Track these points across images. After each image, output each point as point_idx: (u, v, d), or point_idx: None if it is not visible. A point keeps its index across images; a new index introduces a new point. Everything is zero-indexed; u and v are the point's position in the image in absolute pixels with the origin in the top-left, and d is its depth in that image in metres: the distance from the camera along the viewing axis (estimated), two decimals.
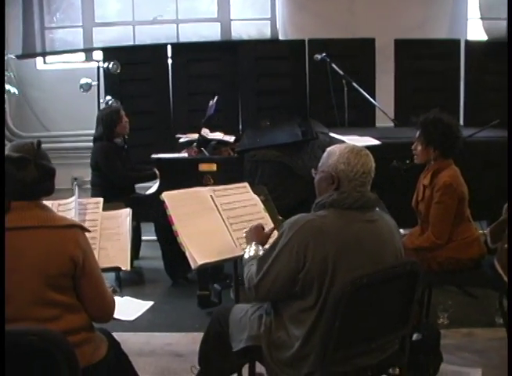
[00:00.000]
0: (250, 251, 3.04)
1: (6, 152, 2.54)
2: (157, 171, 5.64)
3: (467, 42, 7.36)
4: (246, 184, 3.82)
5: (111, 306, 2.73)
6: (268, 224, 3.55)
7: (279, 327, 2.78)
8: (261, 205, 3.71)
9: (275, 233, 3.14)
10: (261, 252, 2.99)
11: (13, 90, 8.14)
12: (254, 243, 3.09)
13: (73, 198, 3.56)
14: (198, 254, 3.28)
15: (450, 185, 3.96)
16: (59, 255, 2.49)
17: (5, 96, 8.13)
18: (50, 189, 2.64)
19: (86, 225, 3.29)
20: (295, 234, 2.65)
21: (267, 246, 3.03)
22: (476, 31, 7.76)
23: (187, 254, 3.28)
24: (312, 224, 2.66)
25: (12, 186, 2.51)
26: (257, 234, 3.18)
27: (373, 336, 2.70)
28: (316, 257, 2.60)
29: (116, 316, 2.98)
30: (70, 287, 2.57)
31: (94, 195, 5.69)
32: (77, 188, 3.78)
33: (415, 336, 3.59)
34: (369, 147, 2.95)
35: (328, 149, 2.90)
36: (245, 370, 3.36)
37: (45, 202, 2.67)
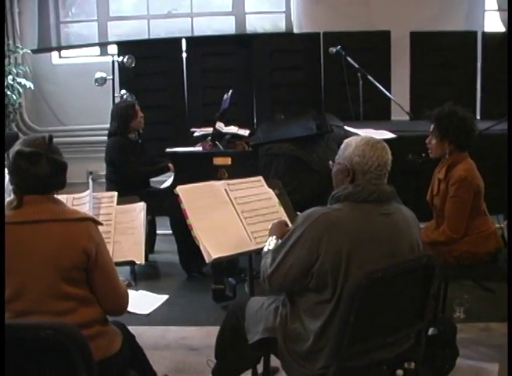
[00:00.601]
0: (269, 244, 3.03)
1: (18, 147, 2.53)
2: (171, 165, 5.64)
3: (484, 34, 7.28)
4: (260, 178, 3.80)
5: (125, 299, 2.74)
6: (283, 218, 3.53)
7: (294, 320, 2.77)
8: (276, 199, 3.69)
9: None
10: None
11: (29, 84, 8.17)
12: (274, 237, 3.08)
13: (88, 192, 3.56)
14: (212, 248, 3.27)
15: (465, 178, 3.93)
16: (72, 248, 2.49)
17: (21, 90, 8.17)
18: (62, 183, 2.64)
19: (100, 219, 3.30)
20: (308, 227, 2.64)
21: None
22: (493, 23, 7.69)
23: (201, 248, 3.28)
24: (326, 217, 2.65)
25: (24, 181, 2.52)
26: (279, 229, 3.16)
27: (388, 330, 2.69)
28: (330, 251, 2.59)
29: (131, 309, 3.00)
30: (84, 280, 2.58)
31: (109, 190, 5.69)
32: (91, 182, 3.78)
33: (431, 330, 3.57)
34: (384, 140, 2.92)
35: (345, 140, 2.88)
36: (260, 365, 3.36)
37: (59, 196, 2.68)
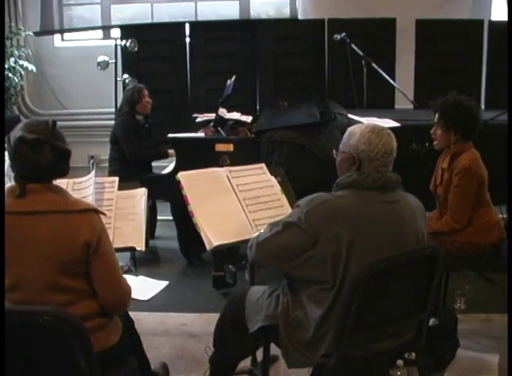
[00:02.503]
0: None
1: (20, 132, 2.45)
2: (171, 151, 5.64)
3: (491, 23, 7.24)
4: (262, 165, 3.77)
5: (127, 294, 2.66)
6: (285, 206, 3.52)
7: (296, 307, 2.75)
8: (278, 186, 3.67)
9: None
10: None
11: (31, 67, 8.15)
12: None
13: (89, 176, 3.54)
14: (213, 235, 3.25)
15: (469, 168, 3.89)
16: (73, 241, 2.44)
17: (23, 73, 8.15)
18: (65, 170, 2.58)
19: (103, 204, 3.28)
20: (309, 212, 2.61)
21: None
22: (501, 11, 7.63)
23: (202, 235, 3.26)
24: (329, 204, 2.63)
25: (26, 169, 2.46)
26: None
27: (390, 321, 2.67)
28: (330, 237, 2.56)
29: None
30: (84, 274, 2.52)
31: (111, 170, 5.73)
32: (94, 167, 3.76)
33: (432, 321, 3.56)
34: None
35: (349, 129, 2.85)
36: (259, 353, 3.35)
37: (59, 181, 2.62)
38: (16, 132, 2.46)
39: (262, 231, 2.85)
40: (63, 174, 2.59)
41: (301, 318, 2.72)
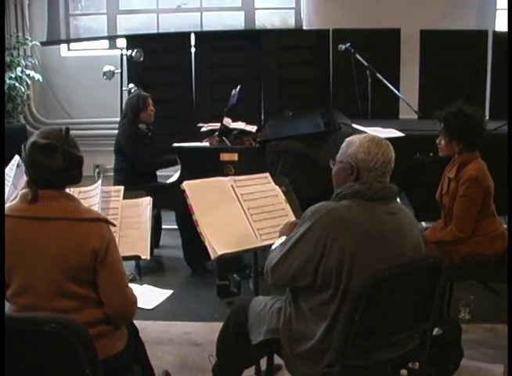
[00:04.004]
0: (278, 242, 3.00)
1: (34, 138, 2.50)
2: (178, 160, 5.64)
3: (495, 33, 7.25)
4: (267, 174, 3.78)
5: (132, 303, 2.67)
6: (289, 215, 3.52)
7: (299, 320, 2.74)
8: (283, 196, 3.68)
9: None
10: None
11: (37, 76, 8.18)
12: (285, 237, 3.05)
13: (94, 186, 3.55)
14: (218, 244, 3.26)
15: (476, 178, 3.90)
16: (82, 249, 2.46)
17: (29, 82, 8.18)
18: (77, 177, 2.61)
19: (109, 213, 3.30)
20: (317, 221, 2.60)
21: None
22: (505, 22, 7.63)
23: (207, 244, 3.26)
24: (336, 213, 2.62)
25: (38, 173, 2.50)
26: (290, 229, 3.14)
27: (393, 330, 2.67)
28: (335, 248, 2.55)
29: None
30: (91, 282, 2.54)
31: (116, 180, 5.73)
32: (101, 176, 3.77)
33: (436, 330, 3.56)
34: (392, 139, 2.90)
35: (347, 139, 2.85)
36: (263, 361, 3.35)
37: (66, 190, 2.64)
38: (31, 138, 2.52)
39: (272, 254, 2.80)
40: (75, 181, 2.61)
41: (304, 331, 2.71)
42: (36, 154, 2.47)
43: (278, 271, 2.72)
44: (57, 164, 2.48)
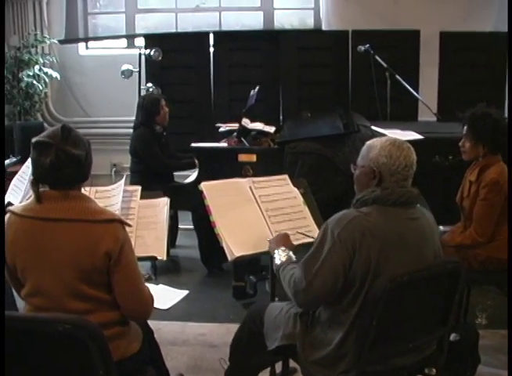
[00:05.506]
0: (280, 256, 2.97)
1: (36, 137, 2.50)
2: (196, 161, 5.63)
3: None
4: (286, 176, 3.76)
5: (149, 304, 2.65)
6: (307, 218, 3.51)
7: (316, 326, 2.73)
8: (301, 198, 3.65)
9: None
10: (293, 257, 2.94)
11: (55, 75, 8.21)
12: (282, 248, 3.02)
13: (116, 185, 3.55)
14: (235, 246, 3.24)
15: (497, 182, 3.85)
16: (95, 251, 2.43)
17: (47, 80, 8.21)
18: (77, 176, 2.53)
19: (128, 213, 3.29)
20: (342, 231, 2.57)
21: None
22: None
23: (224, 245, 3.24)
24: (359, 221, 2.58)
25: (35, 172, 2.48)
26: (284, 239, 3.12)
27: (411, 336, 2.65)
28: (362, 255, 2.53)
29: None
30: (106, 284, 2.52)
31: (132, 181, 5.70)
32: (124, 176, 3.74)
33: (452, 336, 3.52)
34: (410, 142, 2.87)
35: (367, 143, 2.82)
36: (278, 364, 3.33)
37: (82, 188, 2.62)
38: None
39: (295, 275, 2.69)
40: (76, 180, 2.54)
41: (321, 337, 2.70)
42: (33, 152, 2.46)
43: (314, 289, 2.61)
44: (48, 162, 2.42)
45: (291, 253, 2.99)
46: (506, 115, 6.74)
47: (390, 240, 2.57)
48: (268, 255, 3.67)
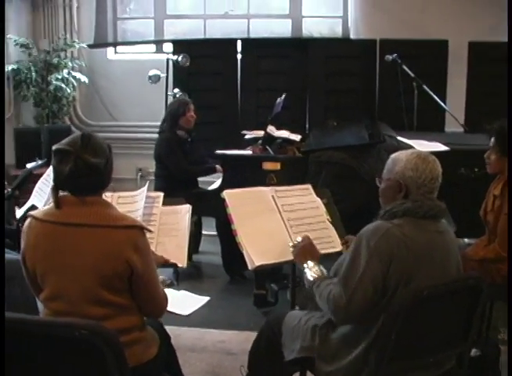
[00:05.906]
0: (310, 271, 2.94)
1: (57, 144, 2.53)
2: (219, 167, 5.64)
3: None
4: (309, 186, 3.75)
5: (163, 306, 2.69)
6: (329, 228, 3.49)
7: (335, 339, 2.72)
8: (323, 208, 3.64)
9: None
10: (324, 270, 2.93)
11: (83, 79, 8.27)
12: (311, 262, 3.00)
13: (139, 191, 3.56)
14: (256, 255, 3.23)
15: None
16: (116, 257, 2.45)
17: (75, 84, 8.27)
18: (97, 184, 2.55)
19: (150, 219, 3.29)
20: (378, 242, 2.55)
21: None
22: None
23: (245, 254, 3.24)
24: (394, 232, 2.57)
25: (55, 179, 2.51)
26: (311, 250, 3.10)
27: (431, 350, 2.62)
28: (397, 267, 2.52)
29: (171, 309, 2.97)
30: (126, 289, 2.53)
31: (156, 186, 5.73)
32: (147, 181, 3.76)
33: (473, 352, 3.47)
34: (436, 153, 2.86)
35: (392, 156, 2.81)
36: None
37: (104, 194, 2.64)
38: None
39: (334, 292, 2.65)
40: (96, 187, 2.56)
41: (339, 350, 2.68)
42: (53, 160, 2.49)
43: (356, 306, 2.57)
44: (67, 169, 2.44)
45: (322, 267, 2.97)
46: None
47: (421, 252, 2.56)
48: (290, 264, 3.68)
